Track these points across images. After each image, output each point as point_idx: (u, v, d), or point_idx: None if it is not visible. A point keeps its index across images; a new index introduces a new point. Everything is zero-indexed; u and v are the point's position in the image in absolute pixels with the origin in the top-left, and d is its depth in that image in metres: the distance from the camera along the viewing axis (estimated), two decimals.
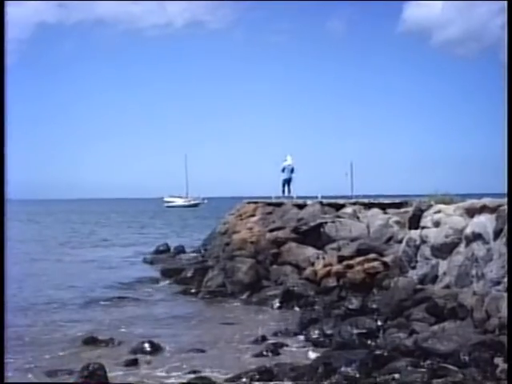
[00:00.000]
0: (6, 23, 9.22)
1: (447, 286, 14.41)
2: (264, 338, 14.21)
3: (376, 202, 22.45)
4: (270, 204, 26.26)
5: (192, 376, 11.40)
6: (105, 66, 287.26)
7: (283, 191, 29.60)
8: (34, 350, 13.52)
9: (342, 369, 10.69)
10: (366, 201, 22.92)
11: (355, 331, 13.27)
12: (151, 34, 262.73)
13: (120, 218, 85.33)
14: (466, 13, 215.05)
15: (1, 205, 9.06)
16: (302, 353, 13.07)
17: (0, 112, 8.97)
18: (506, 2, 12.35)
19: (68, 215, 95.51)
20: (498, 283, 12.34)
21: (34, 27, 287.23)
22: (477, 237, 13.66)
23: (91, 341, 14.10)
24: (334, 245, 20.24)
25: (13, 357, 12.32)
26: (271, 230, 22.89)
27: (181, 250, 30.37)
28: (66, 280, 24.33)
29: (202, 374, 11.51)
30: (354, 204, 22.89)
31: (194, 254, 28.60)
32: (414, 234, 16.52)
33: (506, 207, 12.79)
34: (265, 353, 12.98)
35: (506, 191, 11.96)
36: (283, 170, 29.49)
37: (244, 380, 10.58)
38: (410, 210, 17.76)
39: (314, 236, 21.40)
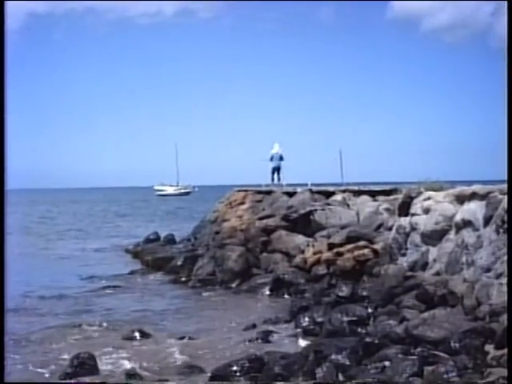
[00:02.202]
0: (6, 23, 9.14)
1: (437, 273, 14.42)
2: (254, 326, 14.21)
3: (366, 189, 22.40)
4: (259, 192, 26.18)
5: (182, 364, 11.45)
6: (95, 55, 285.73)
7: (272, 179, 29.52)
8: None
9: (333, 356, 10.68)
10: (355, 188, 22.87)
11: (345, 319, 13.26)
12: (141, 22, 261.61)
13: (111, 207, 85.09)
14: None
15: (1, 201, 8.99)
16: (293, 341, 13.07)
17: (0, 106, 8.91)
18: (505, 2, 12.31)
19: (56, 205, 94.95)
20: (489, 270, 12.36)
21: (24, 16, 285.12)
22: (467, 224, 13.68)
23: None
24: (324, 232, 20.21)
25: None
26: (261, 218, 22.84)
27: (171, 238, 30.26)
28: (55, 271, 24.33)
29: (193, 363, 11.52)
30: (344, 191, 22.83)
31: (184, 243, 28.51)
32: (404, 221, 16.53)
33: (496, 194, 12.84)
34: (255, 341, 12.98)
35: (506, 178, 11.93)
36: (271, 159, 29.41)
37: (234, 368, 10.52)
38: (400, 197, 17.77)
39: (303, 224, 21.36)
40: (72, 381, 10.73)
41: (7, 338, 13.29)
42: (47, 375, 11.20)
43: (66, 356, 11.91)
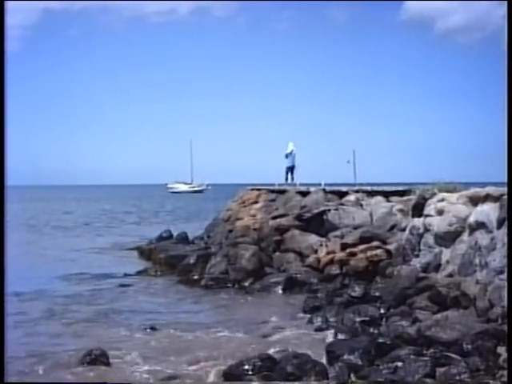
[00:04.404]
0: (5, 22, 9.22)
1: (450, 275, 14.40)
2: (266, 325, 14.25)
3: (379, 189, 22.41)
4: (273, 191, 26.22)
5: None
6: (109, 52, 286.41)
7: (286, 178, 29.58)
8: None
9: (345, 356, 10.70)
10: (369, 188, 22.88)
11: (358, 319, 13.31)
12: (155, 20, 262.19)
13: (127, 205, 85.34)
14: (469, 2, 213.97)
15: (1, 201, 9.05)
16: (305, 340, 13.06)
17: (0, 104, 8.97)
18: (506, 2, 12.30)
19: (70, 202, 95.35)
20: (501, 272, 12.34)
21: (39, 14, 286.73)
22: (480, 225, 13.64)
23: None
24: (337, 232, 20.22)
25: None
26: (274, 217, 22.87)
27: (184, 236, 30.32)
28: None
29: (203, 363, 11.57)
30: (357, 192, 22.85)
31: (197, 241, 28.56)
32: (418, 222, 16.50)
33: (506, 197, 12.78)
34: (267, 339, 13.02)
35: (506, 180, 11.95)
36: (287, 157, 29.51)
37: (246, 367, 10.55)
38: (414, 198, 17.73)
39: (317, 223, 21.37)
40: (72, 380, 10.83)
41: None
42: None
43: None
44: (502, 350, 10.25)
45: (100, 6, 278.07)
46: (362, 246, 18.18)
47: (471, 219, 14.09)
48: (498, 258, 12.67)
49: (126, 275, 22.16)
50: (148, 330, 13.93)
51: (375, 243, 18.07)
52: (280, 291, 18.40)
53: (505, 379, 9.21)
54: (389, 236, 18.57)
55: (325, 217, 21.39)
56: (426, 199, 16.55)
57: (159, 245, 28.79)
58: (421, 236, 16.15)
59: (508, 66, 11.61)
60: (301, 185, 27.22)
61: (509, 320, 10.70)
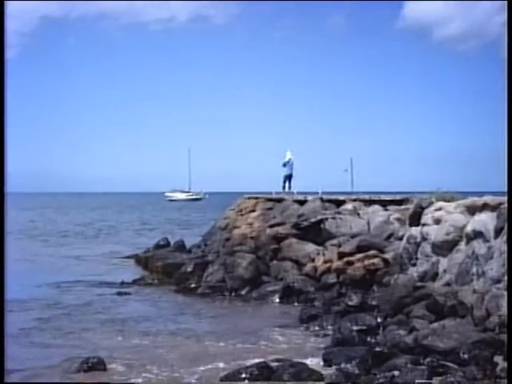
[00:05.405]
0: (5, 23, 9.22)
1: (447, 284, 14.41)
2: (263, 333, 14.23)
3: (377, 198, 22.41)
4: (270, 199, 26.21)
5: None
6: (107, 60, 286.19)
7: (284, 187, 29.54)
8: None
9: (342, 365, 10.72)
10: (366, 197, 22.89)
11: (355, 328, 13.30)
12: (154, 28, 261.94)
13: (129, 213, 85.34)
14: (467, 10, 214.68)
15: (1, 201, 9.04)
16: (302, 349, 13.06)
17: (0, 108, 8.96)
18: (505, 2, 12.34)
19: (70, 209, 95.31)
20: (499, 281, 12.36)
21: (37, 20, 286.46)
22: (477, 235, 13.66)
23: None
24: (335, 241, 20.21)
25: None
26: (271, 226, 22.86)
27: (181, 244, 30.31)
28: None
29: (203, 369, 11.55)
30: (355, 200, 22.85)
31: (195, 249, 28.52)
32: (415, 231, 16.51)
33: (506, 205, 12.79)
34: (263, 348, 13.00)
35: (506, 189, 11.97)
36: (284, 165, 29.46)
37: (243, 375, 10.55)
38: (411, 206, 17.75)
39: (314, 232, 21.36)
40: (72, 381, 10.84)
41: None
42: None
43: None
44: (498, 359, 10.25)
45: (99, 13, 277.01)
46: (359, 255, 18.16)
47: (468, 228, 14.11)
48: (495, 267, 12.69)
49: (123, 283, 22.09)
50: (144, 338, 13.93)
51: (372, 252, 18.06)
52: (277, 300, 18.41)
53: None
54: (386, 245, 18.56)
55: (322, 225, 21.37)
56: (423, 208, 16.58)
57: (156, 253, 28.77)
58: (418, 245, 16.15)
59: (508, 67, 11.62)
60: (298, 193, 27.21)
61: (508, 329, 10.69)
